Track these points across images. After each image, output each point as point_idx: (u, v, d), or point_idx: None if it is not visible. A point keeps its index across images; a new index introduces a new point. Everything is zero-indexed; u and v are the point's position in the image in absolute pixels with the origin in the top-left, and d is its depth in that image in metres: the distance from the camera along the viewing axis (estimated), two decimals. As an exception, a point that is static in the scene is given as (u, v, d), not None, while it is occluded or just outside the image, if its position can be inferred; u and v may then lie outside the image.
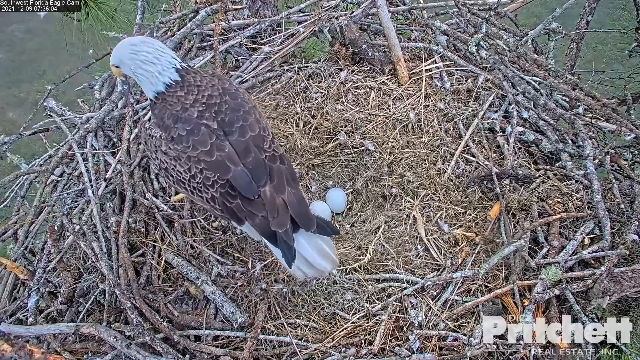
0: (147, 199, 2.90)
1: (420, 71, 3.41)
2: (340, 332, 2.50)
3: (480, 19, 3.56)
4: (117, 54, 2.43)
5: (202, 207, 2.68)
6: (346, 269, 2.68)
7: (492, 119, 3.19)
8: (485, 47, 3.45)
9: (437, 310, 2.52)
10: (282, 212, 2.25)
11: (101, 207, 2.90)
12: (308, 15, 3.71)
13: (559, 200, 2.84)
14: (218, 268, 2.68)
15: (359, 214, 3.23)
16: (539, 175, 2.96)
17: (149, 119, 2.51)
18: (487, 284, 2.61)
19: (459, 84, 3.33)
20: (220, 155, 2.26)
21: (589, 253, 2.60)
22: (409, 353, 2.36)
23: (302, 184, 3.41)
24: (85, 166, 3.01)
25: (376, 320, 2.52)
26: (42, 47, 9.63)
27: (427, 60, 3.45)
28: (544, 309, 2.50)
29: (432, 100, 3.29)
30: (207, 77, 2.47)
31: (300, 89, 3.44)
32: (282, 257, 2.28)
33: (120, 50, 2.42)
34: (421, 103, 3.28)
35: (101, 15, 4.29)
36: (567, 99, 3.34)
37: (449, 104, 3.26)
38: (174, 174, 2.38)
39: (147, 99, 3.00)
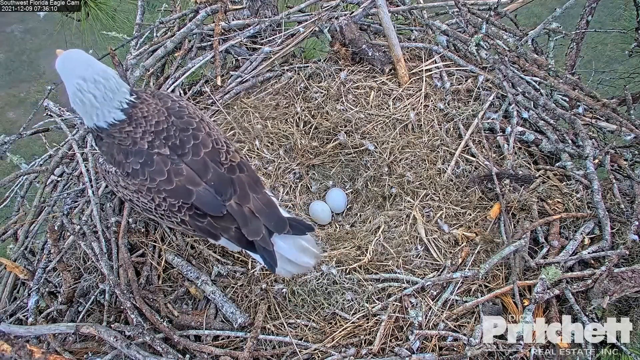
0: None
1: (420, 71, 3.41)
2: (340, 332, 2.50)
3: (480, 19, 3.56)
4: (62, 72, 2.23)
5: (176, 229, 2.66)
6: (346, 269, 2.68)
7: (492, 119, 3.18)
8: (485, 47, 3.45)
9: (437, 310, 2.51)
10: (253, 220, 2.25)
11: (101, 207, 2.89)
12: (308, 15, 3.71)
13: (559, 200, 2.84)
14: (218, 268, 2.68)
15: (359, 214, 3.23)
16: (539, 175, 2.96)
17: (101, 155, 2.44)
18: (487, 284, 2.61)
19: (459, 84, 3.33)
20: (179, 180, 2.23)
21: (589, 253, 2.60)
22: (409, 353, 2.36)
23: (302, 184, 3.42)
24: (85, 166, 3.01)
25: (376, 320, 2.52)
26: (42, 47, 9.62)
27: (427, 60, 3.46)
28: (544, 309, 2.50)
29: (432, 100, 3.29)
30: (151, 103, 2.39)
31: (300, 89, 3.44)
32: (264, 262, 2.28)
33: (65, 71, 2.22)
34: (421, 103, 3.28)
35: (101, 15, 4.29)
36: (567, 99, 3.33)
37: (449, 104, 3.26)
38: (139, 204, 2.37)
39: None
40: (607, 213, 2.71)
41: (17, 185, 3.38)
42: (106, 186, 2.94)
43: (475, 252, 2.73)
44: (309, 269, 2.50)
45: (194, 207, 2.24)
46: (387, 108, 3.31)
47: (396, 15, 3.75)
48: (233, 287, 2.65)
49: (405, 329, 2.49)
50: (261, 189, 2.40)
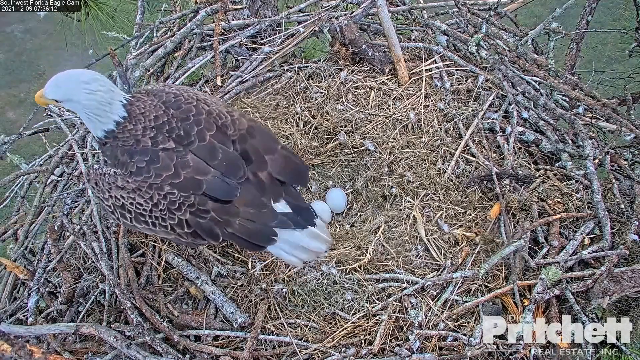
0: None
1: (420, 71, 3.41)
2: (340, 332, 2.50)
3: (480, 19, 3.56)
4: (65, 91, 2.21)
5: (165, 238, 2.54)
6: (346, 269, 2.68)
7: (492, 119, 3.19)
8: (485, 47, 3.45)
9: (437, 310, 2.51)
10: (271, 184, 2.31)
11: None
12: (308, 15, 3.71)
13: (559, 200, 2.84)
14: (218, 268, 2.68)
15: (359, 214, 3.23)
16: (539, 175, 2.96)
17: (97, 161, 2.42)
18: (487, 284, 2.61)
19: (459, 84, 3.33)
20: (187, 172, 2.21)
21: (589, 253, 2.60)
22: (409, 353, 2.36)
23: (302, 184, 3.42)
24: (85, 166, 3.01)
25: (376, 320, 2.52)
26: (41, 47, 9.62)
27: (427, 60, 3.46)
28: (544, 309, 2.50)
29: (432, 100, 3.29)
30: (146, 100, 2.38)
31: (300, 89, 3.44)
32: (296, 224, 2.31)
33: (69, 88, 2.20)
34: (421, 103, 3.28)
35: (101, 15, 4.30)
36: (567, 99, 3.33)
37: (449, 104, 3.26)
38: (132, 209, 2.30)
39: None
40: (607, 213, 2.71)
41: (17, 185, 3.38)
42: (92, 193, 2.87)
43: (475, 252, 2.72)
44: (322, 254, 2.53)
45: (204, 197, 2.21)
46: (387, 108, 3.31)
47: (396, 15, 3.75)
48: (233, 287, 2.65)
49: (405, 329, 2.49)
50: (277, 145, 2.41)
